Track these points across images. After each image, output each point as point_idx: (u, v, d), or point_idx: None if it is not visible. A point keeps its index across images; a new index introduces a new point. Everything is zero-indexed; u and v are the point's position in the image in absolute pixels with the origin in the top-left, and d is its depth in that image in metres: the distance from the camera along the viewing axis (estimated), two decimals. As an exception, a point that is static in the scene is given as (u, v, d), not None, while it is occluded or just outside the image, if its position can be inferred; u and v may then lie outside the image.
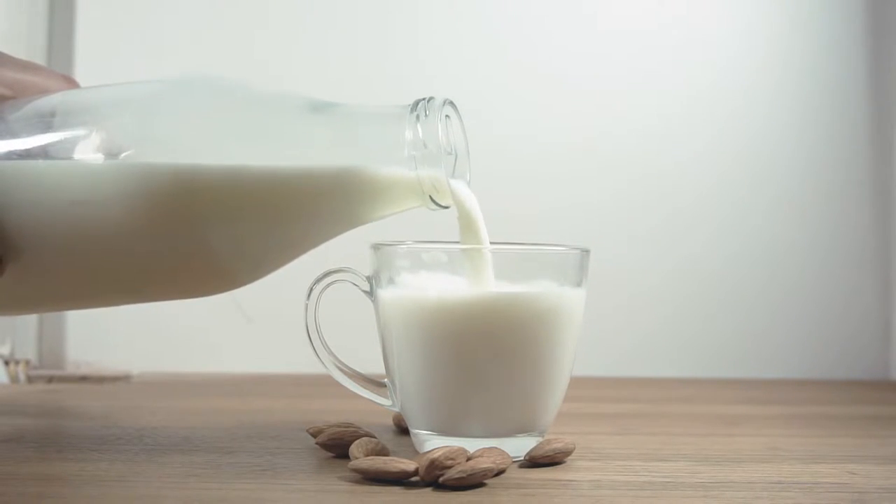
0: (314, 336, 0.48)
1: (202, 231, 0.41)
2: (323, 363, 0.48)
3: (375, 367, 0.48)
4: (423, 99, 0.43)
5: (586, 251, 0.47)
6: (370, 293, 0.47)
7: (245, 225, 0.42)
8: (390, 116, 0.43)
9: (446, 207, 0.44)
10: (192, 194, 0.40)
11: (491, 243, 0.46)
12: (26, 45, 0.79)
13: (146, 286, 0.44)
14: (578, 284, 0.46)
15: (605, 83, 0.83)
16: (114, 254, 0.41)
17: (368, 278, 0.47)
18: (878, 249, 0.83)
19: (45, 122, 0.42)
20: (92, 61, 0.80)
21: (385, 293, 0.46)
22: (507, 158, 0.82)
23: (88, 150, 0.40)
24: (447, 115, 0.44)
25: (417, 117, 0.43)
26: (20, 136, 0.41)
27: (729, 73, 0.83)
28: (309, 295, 0.47)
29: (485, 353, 0.44)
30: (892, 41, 0.83)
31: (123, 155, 0.40)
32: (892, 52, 0.83)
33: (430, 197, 0.43)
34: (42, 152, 0.41)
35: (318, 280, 0.48)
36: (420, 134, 0.42)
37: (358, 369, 0.49)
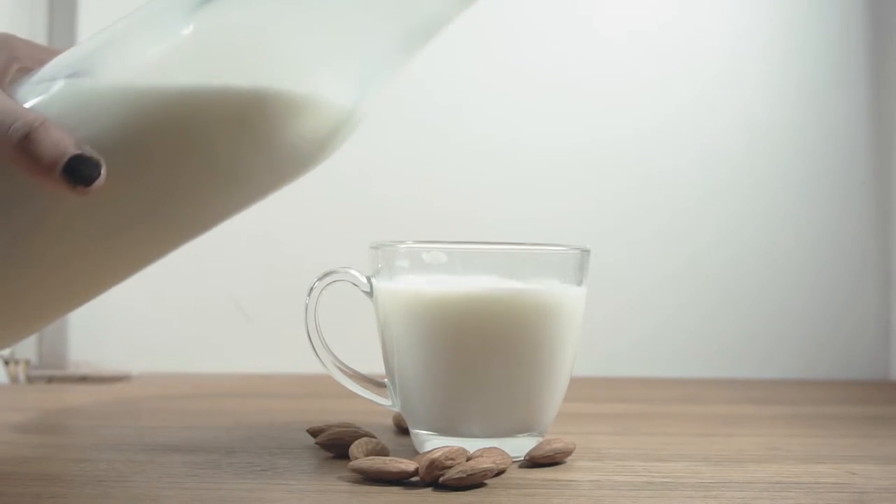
0: (314, 336, 0.48)
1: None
2: (323, 363, 0.48)
3: (375, 367, 0.48)
4: None
5: (587, 251, 0.47)
6: (370, 293, 0.47)
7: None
8: None
9: None
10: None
11: (492, 244, 0.46)
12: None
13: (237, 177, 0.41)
14: (579, 284, 0.46)
15: (604, 85, 0.83)
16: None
17: (368, 278, 0.47)
18: (878, 250, 0.83)
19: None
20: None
21: (385, 293, 0.46)
22: (508, 162, 0.82)
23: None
24: None
25: None
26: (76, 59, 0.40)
27: (728, 74, 0.83)
28: (309, 295, 0.47)
29: (485, 351, 0.44)
30: (892, 40, 0.83)
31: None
32: (893, 52, 0.83)
33: None
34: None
35: (319, 280, 0.48)
36: None
37: (358, 369, 0.49)
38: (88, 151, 0.37)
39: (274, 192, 0.43)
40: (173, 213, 0.41)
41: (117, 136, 0.38)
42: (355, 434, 0.46)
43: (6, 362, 0.75)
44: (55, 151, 0.36)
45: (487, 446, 0.44)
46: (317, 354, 0.48)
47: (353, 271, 0.48)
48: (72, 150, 0.36)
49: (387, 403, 0.48)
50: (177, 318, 0.80)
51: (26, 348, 0.77)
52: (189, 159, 0.40)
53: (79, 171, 0.37)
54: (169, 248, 0.43)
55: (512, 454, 0.44)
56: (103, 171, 0.37)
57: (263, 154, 0.40)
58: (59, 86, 0.39)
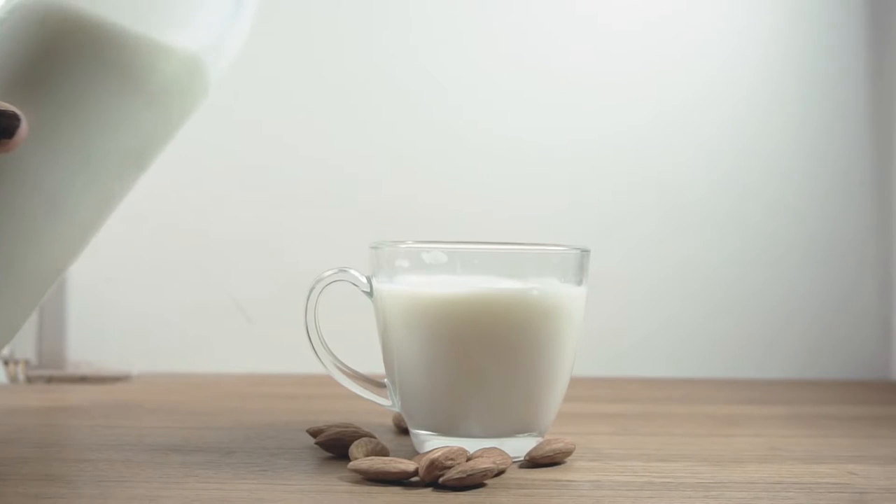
0: (314, 336, 0.48)
1: None
2: (323, 363, 0.48)
3: (375, 367, 0.48)
4: None
5: (586, 251, 0.47)
6: (370, 293, 0.47)
7: None
8: None
9: None
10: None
11: (492, 243, 0.46)
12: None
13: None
14: (579, 284, 0.46)
15: (605, 82, 0.83)
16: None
17: (368, 278, 0.47)
18: (878, 249, 0.83)
19: None
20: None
21: (385, 293, 0.46)
22: (507, 159, 0.82)
23: None
24: None
25: None
26: None
27: (729, 72, 0.83)
28: (309, 295, 0.47)
29: (485, 352, 0.44)
30: (892, 40, 0.83)
31: None
32: (893, 51, 0.83)
33: None
34: None
35: (319, 280, 0.48)
36: None
37: (358, 369, 0.49)
38: (0, 104, 0.35)
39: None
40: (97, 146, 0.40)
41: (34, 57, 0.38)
42: (355, 434, 0.46)
43: (6, 362, 0.75)
44: None
45: (487, 446, 0.44)
46: (317, 354, 0.48)
47: (353, 271, 0.48)
48: None
49: (387, 403, 0.48)
50: (177, 318, 0.80)
51: (26, 348, 0.77)
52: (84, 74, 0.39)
53: None
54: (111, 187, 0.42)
55: (512, 454, 0.44)
56: (23, 120, 0.35)
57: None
58: None
